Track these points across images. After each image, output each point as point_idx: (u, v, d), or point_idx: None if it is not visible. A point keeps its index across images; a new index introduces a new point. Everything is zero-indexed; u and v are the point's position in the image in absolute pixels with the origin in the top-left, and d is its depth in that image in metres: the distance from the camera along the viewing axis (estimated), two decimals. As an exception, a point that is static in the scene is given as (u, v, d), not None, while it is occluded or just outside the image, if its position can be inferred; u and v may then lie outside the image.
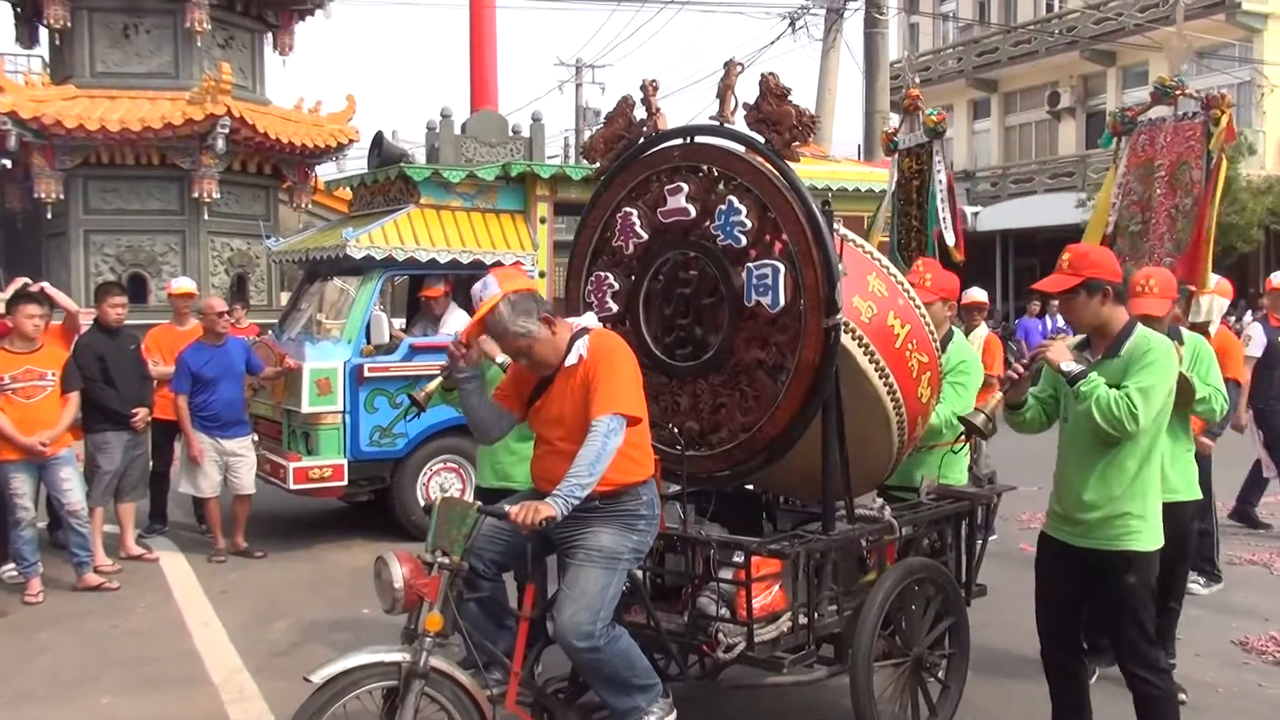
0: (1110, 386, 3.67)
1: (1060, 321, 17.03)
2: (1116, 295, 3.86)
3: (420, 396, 4.74)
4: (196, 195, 13.59)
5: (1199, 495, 4.97)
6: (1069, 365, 3.75)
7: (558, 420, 3.75)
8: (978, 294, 8.40)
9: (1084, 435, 3.81)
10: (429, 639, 3.39)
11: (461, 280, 8.41)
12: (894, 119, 8.14)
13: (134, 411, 7.34)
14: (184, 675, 5.42)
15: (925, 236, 7.38)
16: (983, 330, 7.97)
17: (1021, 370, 3.95)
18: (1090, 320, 3.89)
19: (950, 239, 7.09)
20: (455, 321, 8.24)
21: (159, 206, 13.93)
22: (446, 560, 3.49)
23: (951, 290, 5.24)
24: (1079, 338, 4.07)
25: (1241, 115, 24.62)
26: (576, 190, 8.51)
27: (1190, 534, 5.03)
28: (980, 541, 4.86)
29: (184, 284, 8.87)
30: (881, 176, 9.27)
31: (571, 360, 3.72)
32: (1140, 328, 3.88)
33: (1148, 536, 3.82)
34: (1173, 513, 4.18)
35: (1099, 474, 3.81)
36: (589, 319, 3.93)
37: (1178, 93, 7.09)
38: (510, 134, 9.97)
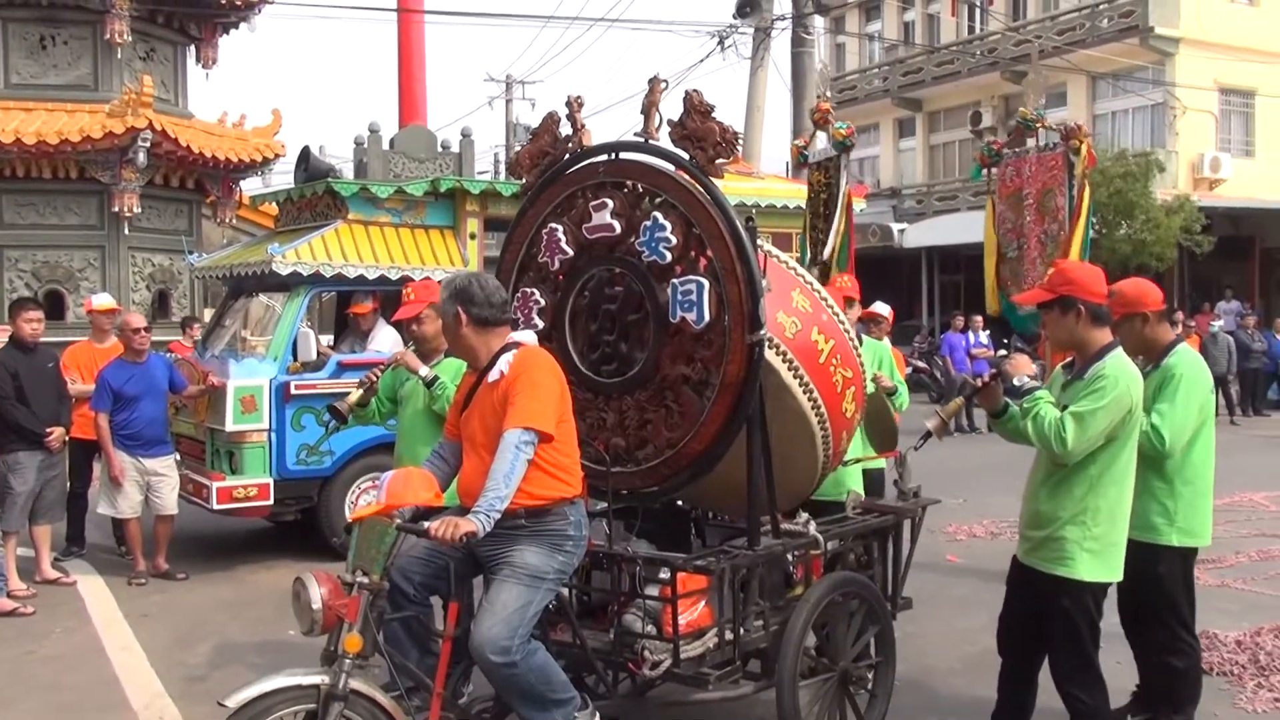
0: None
1: (983, 336, 17.37)
2: (1094, 316, 3.81)
3: (343, 407, 4.69)
4: (117, 210, 13.29)
5: (1158, 539, 4.27)
6: (1020, 380, 3.80)
7: (479, 432, 3.75)
8: (879, 307, 8.12)
9: (1044, 453, 3.84)
10: (348, 660, 3.34)
11: (389, 297, 8.33)
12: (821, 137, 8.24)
13: (48, 430, 7.16)
14: (103, 701, 5.29)
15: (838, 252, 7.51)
16: (886, 344, 7.30)
17: (986, 379, 3.98)
18: (1065, 337, 3.90)
19: (828, 252, 7.21)
20: (383, 338, 8.16)
21: (77, 221, 13.60)
22: (366, 580, 3.44)
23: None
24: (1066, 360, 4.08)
25: (1155, 136, 25.35)
26: (506, 206, 8.48)
27: (1151, 580, 4.27)
28: (906, 554, 4.92)
29: (104, 300, 8.72)
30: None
31: (494, 376, 3.72)
32: (1113, 354, 3.80)
33: (1086, 566, 3.77)
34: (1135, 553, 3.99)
35: (1049, 493, 3.85)
36: (524, 335, 3.93)
37: (1038, 125, 7.49)
38: (439, 149, 9.91)
